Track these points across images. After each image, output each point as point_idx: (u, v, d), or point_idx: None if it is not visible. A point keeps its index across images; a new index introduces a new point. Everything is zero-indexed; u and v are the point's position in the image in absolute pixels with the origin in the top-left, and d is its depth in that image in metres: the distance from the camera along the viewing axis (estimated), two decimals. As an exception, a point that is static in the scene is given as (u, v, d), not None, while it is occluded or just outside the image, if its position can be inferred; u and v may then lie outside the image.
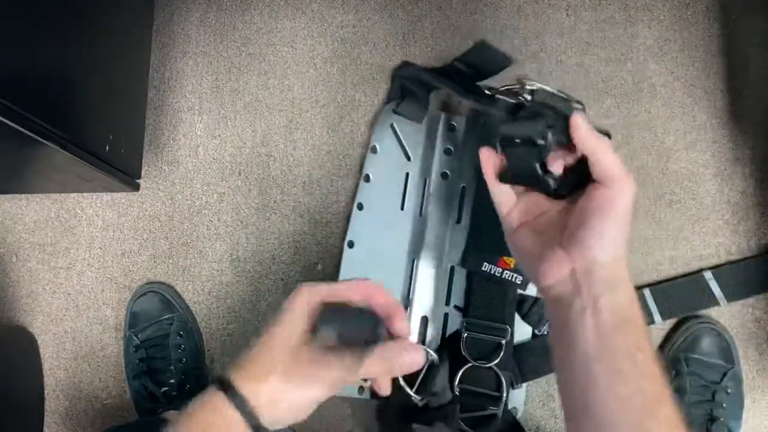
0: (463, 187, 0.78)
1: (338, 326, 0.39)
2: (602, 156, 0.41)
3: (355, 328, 0.40)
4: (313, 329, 0.38)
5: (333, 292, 0.39)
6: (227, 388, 0.36)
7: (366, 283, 0.41)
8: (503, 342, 0.70)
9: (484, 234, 0.72)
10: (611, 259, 0.39)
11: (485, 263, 0.71)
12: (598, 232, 0.39)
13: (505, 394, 0.69)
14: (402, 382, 0.67)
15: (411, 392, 0.68)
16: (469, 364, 0.70)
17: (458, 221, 0.77)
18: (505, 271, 0.70)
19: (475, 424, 0.70)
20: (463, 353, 0.70)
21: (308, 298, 0.38)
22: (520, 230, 0.46)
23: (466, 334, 0.71)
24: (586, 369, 0.38)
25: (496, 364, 0.70)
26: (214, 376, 0.38)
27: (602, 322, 0.37)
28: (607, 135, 0.46)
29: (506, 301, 0.71)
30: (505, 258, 0.71)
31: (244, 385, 0.36)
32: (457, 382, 0.70)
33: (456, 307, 0.75)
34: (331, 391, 0.38)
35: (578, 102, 0.49)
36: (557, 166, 0.45)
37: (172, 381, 0.76)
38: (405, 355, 0.40)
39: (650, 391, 0.36)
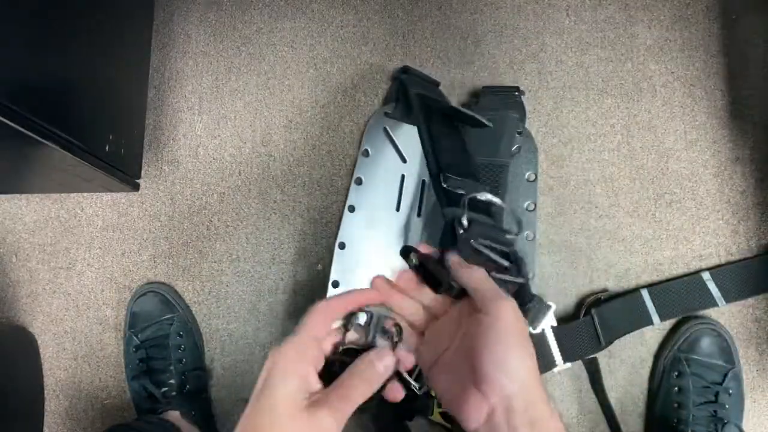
0: (463, 187, 0.78)
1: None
2: (474, 287, 0.41)
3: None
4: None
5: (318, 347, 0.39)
6: None
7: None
8: None
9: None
10: (522, 386, 0.36)
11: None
12: (498, 363, 0.37)
13: None
14: (404, 373, 0.68)
15: (411, 380, 0.68)
16: None
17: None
18: None
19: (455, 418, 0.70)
20: None
21: (296, 362, 0.37)
22: (434, 371, 0.43)
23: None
24: None
25: None
26: None
27: None
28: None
29: None
30: None
31: None
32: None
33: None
34: None
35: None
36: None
37: (171, 381, 0.76)
38: (377, 366, 0.40)
39: None
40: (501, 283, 0.44)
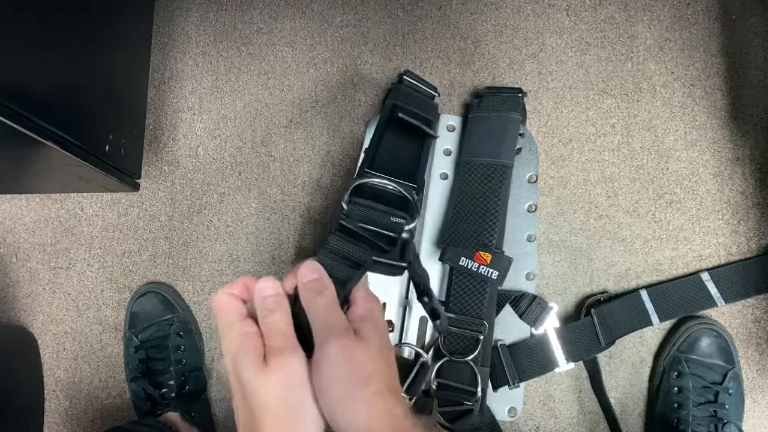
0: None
1: None
2: (312, 318, 0.36)
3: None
4: None
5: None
6: None
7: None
8: (480, 337, 0.70)
9: (462, 228, 0.72)
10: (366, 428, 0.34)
11: (462, 258, 0.70)
12: (328, 415, 0.34)
13: (479, 389, 0.69)
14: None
15: (401, 392, 0.68)
16: (446, 358, 0.70)
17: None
18: (481, 267, 0.70)
19: (453, 418, 0.70)
20: (440, 346, 0.70)
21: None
22: None
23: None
24: None
25: (472, 359, 0.69)
26: None
27: None
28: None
29: (484, 296, 0.71)
30: (480, 253, 0.70)
31: None
32: (434, 375, 0.70)
33: (440, 301, 0.75)
34: None
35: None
36: None
37: (171, 382, 0.76)
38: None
39: None
40: (385, 267, 0.43)
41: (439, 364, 0.71)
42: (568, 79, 0.84)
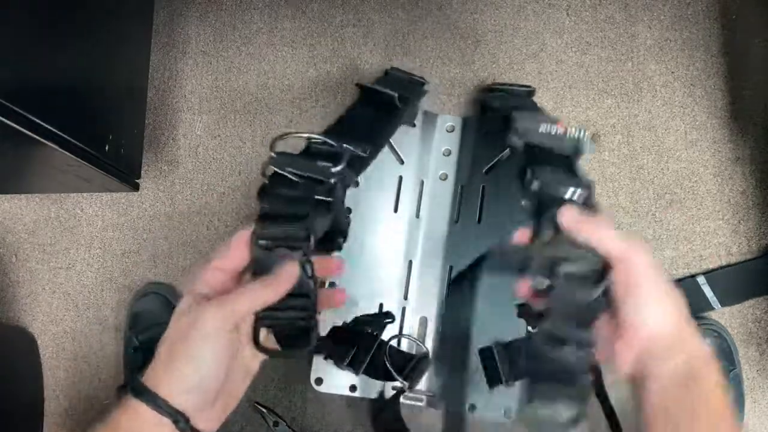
0: (462, 186, 0.78)
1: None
2: (597, 245, 0.39)
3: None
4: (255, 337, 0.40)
5: (242, 311, 0.39)
6: (137, 389, 0.37)
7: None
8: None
9: None
10: (663, 328, 0.38)
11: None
12: (635, 310, 0.38)
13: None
14: (390, 368, 0.68)
15: (399, 377, 0.68)
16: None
17: (456, 221, 0.77)
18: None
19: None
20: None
21: (221, 324, 0.38)
22: None
23: None
24: None
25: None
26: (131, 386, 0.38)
27: (658, 388, 0.37)
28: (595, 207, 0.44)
29: None
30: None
31: (158, 386, 0.37)
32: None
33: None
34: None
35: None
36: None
37: None
38: (279, 271, 0.40)
39: None
40: (301, 201, 0.44)
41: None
42: (568, 79, 0.84)
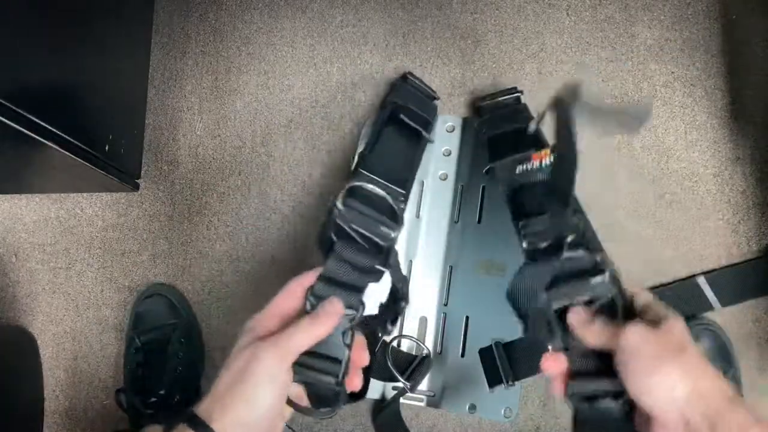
0: (462, 186, 0.78)
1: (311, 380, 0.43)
2: (596, 343, 0.41)
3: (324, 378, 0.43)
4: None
5: (297, 347, 0.41)
6: (194, 420, 0.38)
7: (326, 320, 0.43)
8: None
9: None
10: (683, 405, 0.36)
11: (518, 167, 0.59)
12: (644, 393, 0.37)
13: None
14: (393, 370, 0.68)
15: (401, 378, 0.69)
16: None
17: (456, 221, 0.77)
18: (543, 161, 0.59)
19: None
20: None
21: (278, 364, 0.40)
22: None
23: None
24: None
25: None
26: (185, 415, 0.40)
27: None
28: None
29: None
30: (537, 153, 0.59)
31: (213, 421, 0.38)
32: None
33: (444, 304, 0.75)
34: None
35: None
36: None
37: (162, 392, 0.74)
38: (323, 311, 0.43)
39: None
40: (364, 271, 0.47)
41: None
42: (568, 79, 0.83)
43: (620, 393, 0.40)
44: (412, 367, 0.70)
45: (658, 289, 0.77)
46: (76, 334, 0.83)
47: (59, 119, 0.60)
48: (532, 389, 0.78)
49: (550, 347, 0.45)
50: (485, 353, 0.73)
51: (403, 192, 0.56)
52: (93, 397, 0.82)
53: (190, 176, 0.84)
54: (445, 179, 0.79)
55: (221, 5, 0.87)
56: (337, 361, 0.43)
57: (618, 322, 0.41)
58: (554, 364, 0.44)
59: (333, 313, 0.43)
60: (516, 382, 0.72)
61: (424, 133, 0.67)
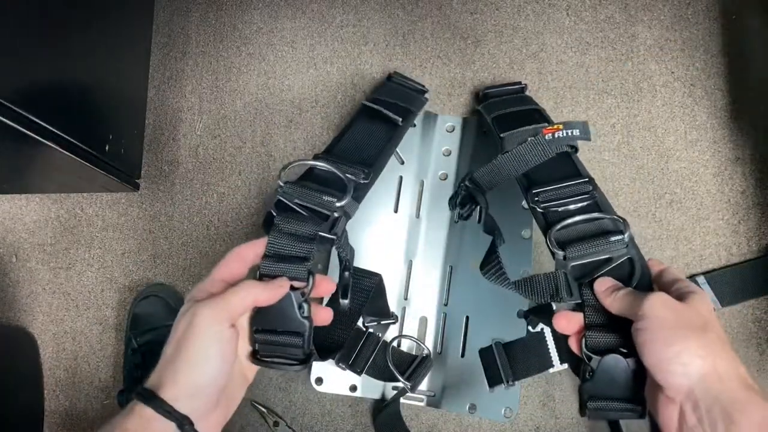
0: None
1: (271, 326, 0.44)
2: (618, 311, 0.42)
3: (287, 318, 0.44)
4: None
5: (235, 306, 0.41)
6: (144, 394, 0.38)
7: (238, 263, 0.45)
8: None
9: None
10: (700, 378, 0.35)
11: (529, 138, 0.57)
12: (662, 364, 0.36)
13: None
14: (393, 370, 0.68)
15: (401, 378, 0.69)
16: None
17: (456, 221, 0.77)
18: (557, 133, 0.57)
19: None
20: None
21: (218, 321, 0.39)
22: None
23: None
24: None
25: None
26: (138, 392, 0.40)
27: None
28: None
29: None
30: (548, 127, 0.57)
31: (163, 390, 0.38)
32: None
33: (444, 304, 0.75)
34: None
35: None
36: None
37: None
38: (272, 283, 0.43)
39: None
40: (306, 240, 0.47)
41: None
42: (568, 79, 0.84)
43: (633, 353, 0.40)
44: (412, 367, 0.70)
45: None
46: (76, 334, 0.83)
47: (59, 119, 0.60)
48: (532, 389, 0.78)
49: (565, 305, 0.47)
50: (485, 353, 0.73)
51: (365, 169, 0.56)
52: (93, 397, 0.82)
53: (190, 176, 0.84)
54: (445, 179, 0.79)
55: (221, 5, 0.87)
56: (298, 334, 0.44)
57: (641, 293, 0.41)
58: (567, 323, 0.45)
59: (279, 286, 0.43)
60: (516, 382, 0.72)
61: (392, 116, 0.67)
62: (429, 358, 0.71)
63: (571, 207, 0.50)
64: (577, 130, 0.54)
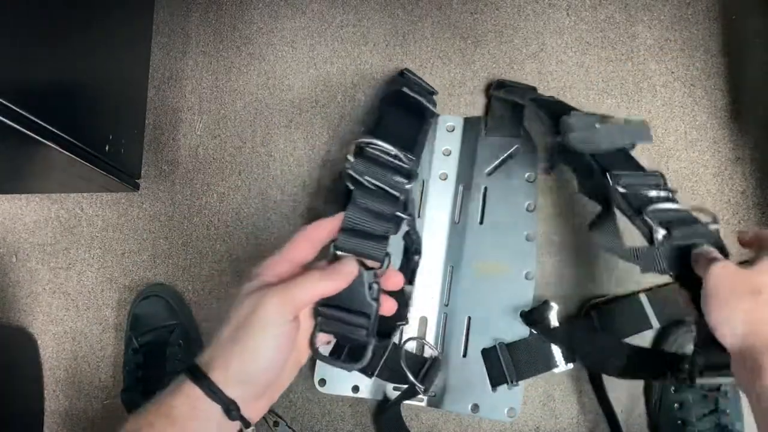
0: (462, 186, 0.78)
1: (335, 324, 0.42)
2: (700, 273, 0.45)
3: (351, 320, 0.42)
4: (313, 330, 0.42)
5: (301, 300, 0.39)
6: (194, 373, 0.37)
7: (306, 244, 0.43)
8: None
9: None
10: (744, 338, 0.39)
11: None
12: (714, 327, 0.41)
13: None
14: (407, 372, 0.68)
15: (415, 381, 0.68)
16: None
17: (457, 221, 0.77)
18: None
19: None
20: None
21: (283, 313, 0.38)
22: None
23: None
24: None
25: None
26: (187, 368, 0.39)
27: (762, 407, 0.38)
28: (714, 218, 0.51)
29: None
30: None
31: (214, 372, 0.37)
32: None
33: (445, 304, 0.75)
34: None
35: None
36: None
37: None
38: (340, 266, 0.42)
39: None
40: (384, 219, 0.46)
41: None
42: (568, 79, 0.84)
43: None
44: (424, 368, 0.70)
45: (661, 288, 0.77)
46: (76, 334, 0.83)
47: (59, 119, 0.60)
48: (532, 389, 0.78)
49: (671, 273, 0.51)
50: (488, 353, 0.73)
51: (413, 157, 0.55)
52: (93, 397, 0.82)
53: (190, 176, 0.84)
54: (445, 179, 0.79)
55: (221, 5, 0.88)
56: (365, 315, 0.42)
57: (712, 258, 0.44)
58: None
59: (347, 273, 0.41)
60: (519, 383, 0.72)
61: (425, 103, 0.67)
62: (439, 359, 0.71)
63: (652, 194, 0.53)
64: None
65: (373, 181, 0.48)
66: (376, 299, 0.42)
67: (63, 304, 0.83)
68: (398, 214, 0.47)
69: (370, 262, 0.43)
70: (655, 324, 0.75)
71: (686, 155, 0.81)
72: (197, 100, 0.86)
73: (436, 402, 0.74)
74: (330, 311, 0.42)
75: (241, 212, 0.83)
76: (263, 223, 0.83)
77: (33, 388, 0.82)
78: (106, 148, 0.71)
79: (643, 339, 0.78)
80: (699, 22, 0.84)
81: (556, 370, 0.73)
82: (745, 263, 0.44)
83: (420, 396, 0.73)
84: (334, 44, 0.86)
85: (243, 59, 0.86)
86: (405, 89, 0.68)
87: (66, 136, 0.61)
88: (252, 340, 0.37)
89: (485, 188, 0.78)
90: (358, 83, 0.85)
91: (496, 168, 0.78)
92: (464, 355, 0.74)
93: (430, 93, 0.78)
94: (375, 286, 0.42)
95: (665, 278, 0.79)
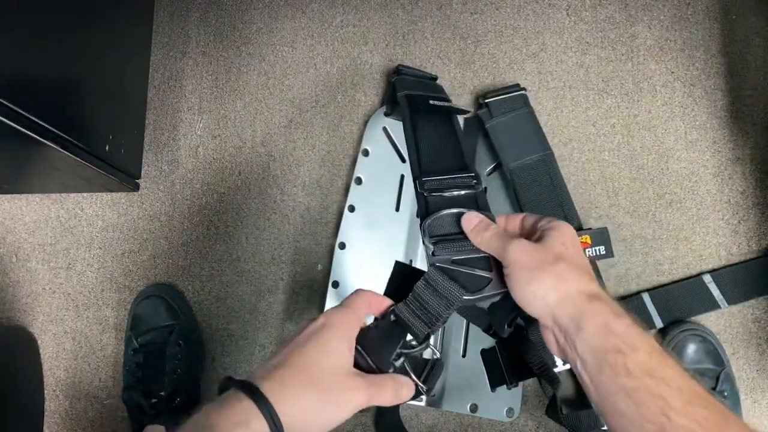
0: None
1: (373, 352, 0.44)
2: (486, 248, 0.46)
3: (386, 349, 0.45)
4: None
5: (360, 315, 0.43)
6: (254, 392, 0.36)
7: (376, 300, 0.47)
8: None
9: None
10: (557, 307, 0.39)
11: None
12: (524, 301, 0.41)
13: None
14: (412, 375, 0.68)
15: (419, 383, 0.68)
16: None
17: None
18: (587, 250, 0.73)
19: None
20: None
21: (350, 328, 0.41)
22: None
23: None
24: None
25: None
26: (236, 381, 0.37)
27: (587, 367, 0.38)
28: None
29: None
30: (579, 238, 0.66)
31: (273, 395, 0.36)
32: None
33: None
34: (349, 416, 0.39)
35: None
36: None
37: (162, 393, 0.74)
38: (405, 390, 0.45)
39: (658, 391, 0.35)
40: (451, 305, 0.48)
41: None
42: (568, 79, 0.84)
43: None
44: (426, 370, 0.70)
45: (663, 287, 0.77)
46: (76, 334, 0.83)
47: (59, 119, 0.60)
48: (532, 389, 0.78)
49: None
50: (487, 354, 0.73)
51: (472, 174, 0.56)
52: (93, 397, 0.82)
53: (190, 176, 0.84)
54: (445, 179, 0.78)
55: (221, 5, 0.88)
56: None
57: (506, 236, 0.44)
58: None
59: (398, 386, 0.46)
60: (518, 383, 0.72)
61: (455, 107, 0.67)
62: (441, 361, 0.71)
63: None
64: (603, 248, 0.66)
65: (458, 269, 0.49)
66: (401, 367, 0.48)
67: (63, 304, 0.83)
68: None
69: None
70: (658, 323, 0.75)
71: (686, 155, 0.81)
72: (197, 100, 0.86)
73: (435, 402, 0.74)
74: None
75: (241, 212, 0.83)
76: (263, 223, 0.83)
77: (33, 388, 0.82)
78: (106, 148, 0.71)
79: (643, 339, 0.78)
80: (699, 22, 0.84)
81: (555, 370, 0.73)
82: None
83: (420, 396, 0.73)
84: (334, 44, 0.86)
85: (243, 59, 0.86)
86: (434, 102, 0.68)
87: (66, 136, 0.61)
88: (308, 362, 0.39)
89: (485, 188, 0.77)
90: (358, 83, 0.85)
91: (495, 168, 0.78)
92: (463, 356, 0.74)
93: (431, 79, 0.79)
94: (403, 356, 0.48)
95: (668, 276, 0.79)
